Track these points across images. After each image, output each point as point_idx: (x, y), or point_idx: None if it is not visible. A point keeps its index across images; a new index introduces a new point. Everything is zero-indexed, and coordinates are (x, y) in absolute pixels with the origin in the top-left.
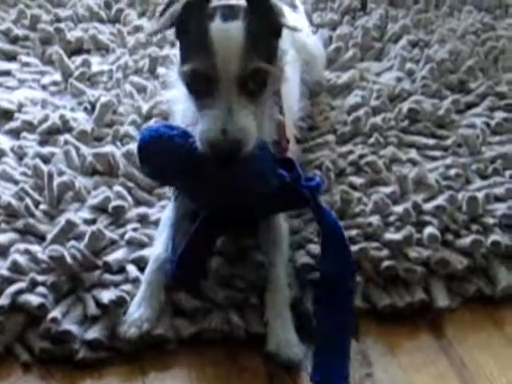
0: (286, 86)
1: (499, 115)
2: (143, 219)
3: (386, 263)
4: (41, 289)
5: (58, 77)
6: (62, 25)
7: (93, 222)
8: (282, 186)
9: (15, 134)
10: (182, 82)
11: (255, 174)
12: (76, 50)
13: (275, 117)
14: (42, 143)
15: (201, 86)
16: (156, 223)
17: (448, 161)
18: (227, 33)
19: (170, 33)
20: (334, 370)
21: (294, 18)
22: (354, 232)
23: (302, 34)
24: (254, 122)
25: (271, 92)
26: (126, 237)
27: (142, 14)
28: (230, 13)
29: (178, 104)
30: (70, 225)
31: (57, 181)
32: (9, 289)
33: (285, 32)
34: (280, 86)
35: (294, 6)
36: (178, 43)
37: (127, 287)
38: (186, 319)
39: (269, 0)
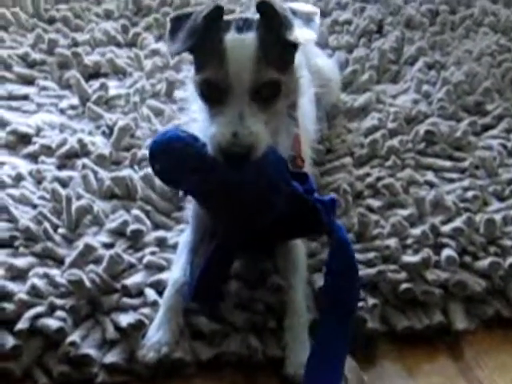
0: (301, 108)
1: None
2: (161, 243)
3: (404, 286)
4: (59, 313)
5: (75, 101)
6: (79, 49)
7: (111, 245)
8: (294, 197)
9: (33, 158)
10: (196, 91)
11: (267, 179)
12: (93, 73)
13: (291, 132)
14: (60, 167)
15: (214, 94)
16: (174, 247)
17: (465, 183)
18: (241, 43)
19: (188, 56)
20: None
21: (305, 32)
22: (371, 255)
23: (317, 58)
24: (266, 129)
25: (286, 104)
26: (144, 260)
27: (158, 38)
28: (243, 25)
29: (194, 124)
30: (89, 249)
31: (75, 205)
32: (28, 313)
33: (300, 55)
34: (296, 101)
35: (309, 20)
36: (193, 54)
37: (146, 311)
38: (204, 343)
39: (278, 13)
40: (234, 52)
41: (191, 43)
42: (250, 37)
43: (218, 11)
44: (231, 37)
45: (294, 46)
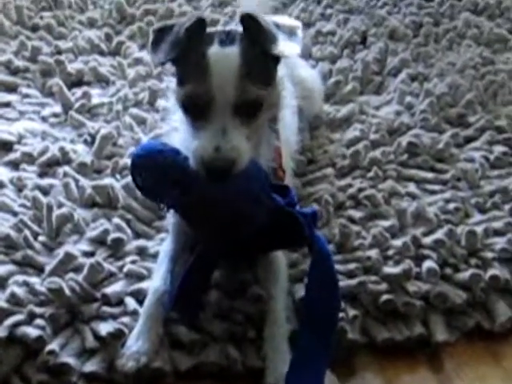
0: (283, 119)
1: (498, 149)
2: (142, 252)
3: (385, 297)
4: (39, 321)
5: (58, 109)
6: (62, 57)
7: (91, 254)
8: (276, 209)
9: (14, 165)
10: (178, 105)
11: (247, 192)
12: (76, 82)
13: (272, 144)
14: (42, 175)
15: (196, 109)
16: (155, 256)
17: (447, 195)
18: (224, 57)
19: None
20: None
21: (289, 46)
22: (352, 266)
23: (300, 69)
24: (248, 143)
25: (267, 117)
26: (125, 269)
27: (142, 47)
28: (227, 38)
29: (175, 133)
30: (69, 257)
31: (56, 213)
32: (7, 321)
33: (282, 66)
34: (277, 114)
35: (292, 34)
36: (174, 67)
37: (125, 320)
38: (183, 352)
39: (263, 26)
40: (218, 66)
41: (173, 55)
42: (234, 51)
43: (200, 23)
44: (214, 50)
45: (277, 59)
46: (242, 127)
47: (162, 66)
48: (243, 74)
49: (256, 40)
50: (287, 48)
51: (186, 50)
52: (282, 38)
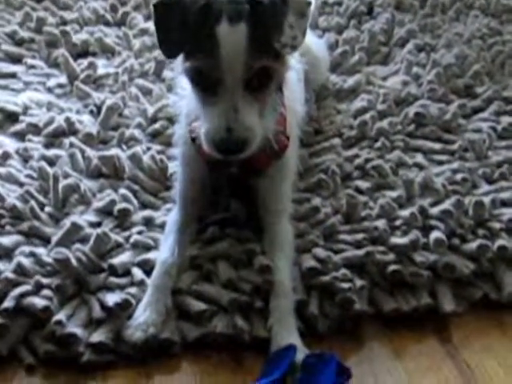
0: (288, 85)
1: (506, 120)
2: (149, 222)
3: (392, 267)
4: (46, 291)
5: (63, 79)
6: (67, 28)
7: (98, 224)
8: None
9: (20, 136)
10: (185, 76)
11: None
12: (82, 52)
13: (277, 109)
14: (48, 146)
15: (205, 83)
16: (161, 226)
17: (454, 165)
18: (232, 33)
19: None
20: None
21: (294, 36)
22: (359, 236)
23: (306, 37)
24: (259, 120)
25: (276, 85)
26: (132, 240)
27: (147, 18)
28: (234, 14)
29: (183, 101)
30: (76, 227)
31: (62, 183)
32: (13, 291)
33: None
34: (283, 81)
35: (301, 14)
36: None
37: (132, 290)
38: (191, 323)
39: (268, 14)
40: (227, 42)
41: (187, 48)
42: (242, 27)
43: (209, 7)
44: (223, 27)
45: None
46: (253, 103)
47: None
48: (251, 48)
49: (262, 19)
50: (291, 41)
51: (195, 28)
52: (289, 23)
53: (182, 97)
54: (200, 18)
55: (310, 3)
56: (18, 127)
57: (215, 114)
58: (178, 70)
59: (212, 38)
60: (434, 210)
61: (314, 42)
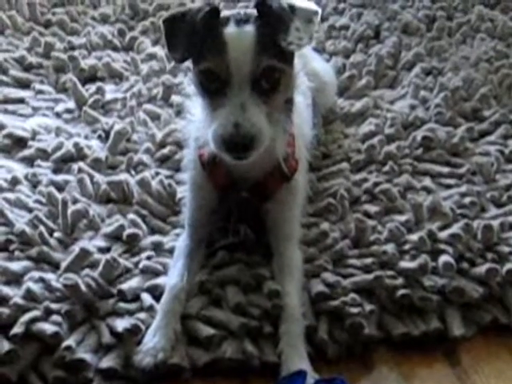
0: (297, 108)
1: None
2: (157, 247)
3: (401, 292)
4: (55, 317)
5: (71, 104)
6: (75, 53)
7: (107, 250)
8: None
9: (29, 161)
10: (195, 84)
11: None
12: (90, 77)
13: (286, 131)
14: (56, 171)
15: (214, 85)
16: (170, 251)
17: (463, 189)
18: (240, 34)
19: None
20: None
21: (301, 37)
22: (368, 260)
23: (314, 62)
24: (267, 120)
25: (284, 97)
26: (141, 265)
27: (155, 42)
28: (242, 18)
29: (191, 126)
30: (85, 253)
31: (71, 209)
32: (23, 317)
33: (297, 58)
34: (292, 97)
35: (308, 20)
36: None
37: (142, 315)
38: (200, 348)
39: (276, 14)
40: (234, 42)
41: (194, 51)
42: (249, 29)
43: (214, 11)
44: (231, 29)
45: None
46: (261, 104)
47: (182, 63)
48: (259, 49)
49: (270, 22)
50: (296, 39)
51: (203, 33)
52: (296, 26)
53: (191, 121)
54: (208, 22)
55: (317, 12)
56: (26, 152)
57: (223, 113)
58: (188, 90)
59: (220, 40)
60: (443, 234)
61: (321, 66)
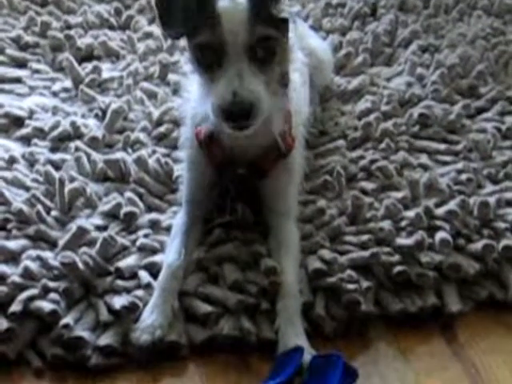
0: (293, 84)
1: (510, 120)
2: (155, 225)
3: (398, 268)
4: (53, 295)
5: (68, 83)
6: (72, 32)
7: (104, 228)
8: None
9: (26, 140)
10: (191, 59)
11: None
12: (86, 56)
13: (283, 108)
14: (53, 150)
15: (210, 58)
16: (168, 229)
17: (459, 166)
18: (233, 6)
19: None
20: None
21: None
22: (365, 237)
23: (310, 39)
24: (265, 90)
25: (280, 70)
26: (138, 243)
27: (152, 21)
28: None
29: (188, 103)
30: (82, 231)
31: (68, 187)
32: (21, 295)
33: (293, 36)
34: (288, 71)
35: None
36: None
37: (139, 293)
38: (197, 325)
39: None
40: (227, 14)
41: (189, 27)
42: (242, 0)
43: None
44: (223, 2)
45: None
46: (259, 74)
47: (177, 39)
48: (252, 18)
49: None
50: (288, 7)
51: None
52: None
53: (188, 100)
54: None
55: None
56: (23, 132)
57: (221, 84)
58: (185, 67)
59: (213, 13)
60: (439, 211)
61: (317, 44)
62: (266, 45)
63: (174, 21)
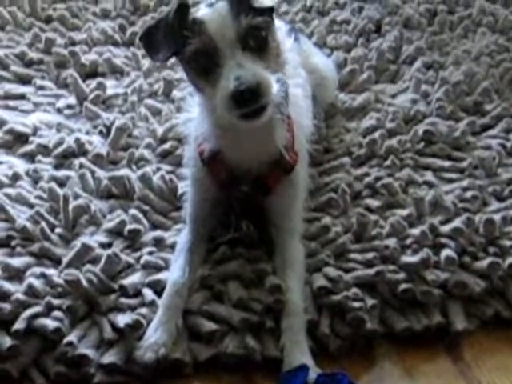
0: (293, 101)
1: None
2: (159, 243)
3: (403, 286)
4: (57, 313)
5: (72, 100)
6: (76, 48)
7: (108, 245)
8: None
9: (30, 157)
10: (188, 78)
11: None
12: (91, 73)
13: (285, 119)
14: (58, 166)
15: (206, 62)
16: (172, 246)
17: (464, 183)
18: (214, 10)
19: None
20: None
21: None
22: (370, 255)
23: (314, 57)
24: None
25: (276, 56)
26: (142, 260)
27: None
28: (212, 2)
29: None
30: (86, 248)
31: (72, 204)
32: (25, 313)
33: (296, 53)
34: (284, 71)
35: None
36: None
37: (143, 311)
38: (202, 343)
39: None
40: (210, 17)
41: (174, 47)
42: (221, 3)
43: (184, 5)
44: (203, 10)
45: (270, 9)
46: (257, 60)
47: (165, 62)
48: (235, 14)
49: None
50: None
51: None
52: None
53: (192, 118)
54: (180, 17)
55: None
56: (27, 148)
57: (223, 77)
58: (187, 90)
59: (197, 22)
60: (445, 228)
61: (321, 60)
62: (256, 34)
63: (161, 47)
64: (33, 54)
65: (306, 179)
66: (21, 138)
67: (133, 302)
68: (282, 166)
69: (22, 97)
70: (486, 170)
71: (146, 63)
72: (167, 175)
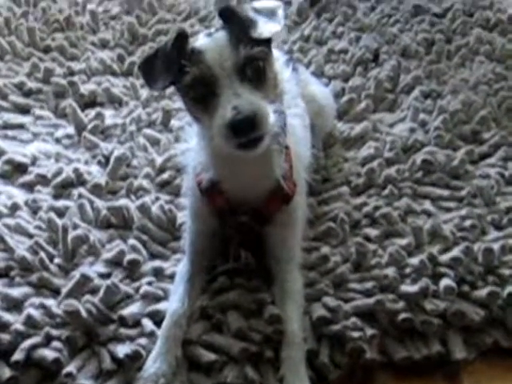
0: (292, 131)
1: None
2: (158, 273)
3: (403, 315)
4: (56, 343)
5: (71, 130)
6: (75, 78)
7: (107, 275)
8: None
9: (29, 187)
10: (186, 108)
11: None
12: (89, 103)
13: (283, 150)
14: (56, 197)
15: (203, 91)
16: (171, 277)
17: (463, 212)
18: (212, 39)
19: None
20: None
21: (270, 26)
22: (369, 284)
23: (312, 86)
24: (265, 104)
25: (273, 86)
26: (141, 291)
27: None
28: (211, 31)
29: (190, 152)
30: (85, 279)
31: (71, 234)
32: (23, 343)
33: (294, 84)
34: (281, 100)
35: (273, 14)
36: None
37: (143, 341)
38: (201, 373)
39: (239, 15)
40: (209, 47)
41: (172, 75)
42: (220, 33)
43: (183, 35)
44: (202, 40)
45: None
46: (254, 91)
47: (164, 90)
48: (234, 44)
49: (238, 24)
50: (267, 29)
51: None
52: (262, 20)
53: (190, 147)
54: (179, 46)
55: (279, 5)
56: (26, 178)
57: (220, 107)
58: (185, 120)
59: (195, 52)
60: (444, 258)
61: (319, 90)
62: (254, 64)
63: (159, 76)
64: (32, 84)
65: (305, 209)
66: (20, 168)
67: (132, 332)
68: (281, 195)
69: (21, 126)
70: (484, 199)
71: (144, 93)
72: (166, 205)
